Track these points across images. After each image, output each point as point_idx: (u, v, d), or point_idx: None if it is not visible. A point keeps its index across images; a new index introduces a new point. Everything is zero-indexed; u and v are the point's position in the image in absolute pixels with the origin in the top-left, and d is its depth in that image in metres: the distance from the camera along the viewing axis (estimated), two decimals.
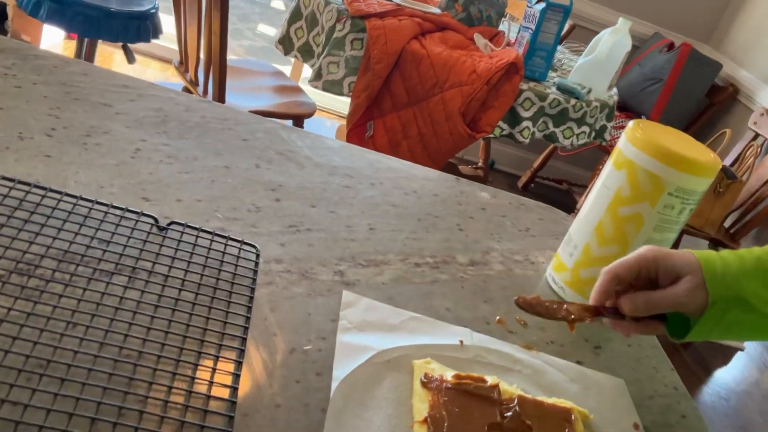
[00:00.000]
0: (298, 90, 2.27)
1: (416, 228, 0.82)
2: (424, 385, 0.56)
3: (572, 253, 0.77)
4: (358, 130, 2.02)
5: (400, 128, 1.95)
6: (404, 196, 0.88)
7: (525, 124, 1.90)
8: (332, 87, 1.98)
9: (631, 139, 0.71)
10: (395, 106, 1.94)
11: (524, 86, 1.89)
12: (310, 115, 2.17)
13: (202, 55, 1.95)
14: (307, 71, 3.52)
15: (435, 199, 0.90)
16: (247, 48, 3.92)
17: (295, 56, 2.07)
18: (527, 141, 1.92)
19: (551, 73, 2.17)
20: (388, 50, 1.85)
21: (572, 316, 0.58)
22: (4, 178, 0.61)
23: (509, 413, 0.56)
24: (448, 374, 0.58)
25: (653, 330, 0.61)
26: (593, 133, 2.11)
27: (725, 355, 2.51)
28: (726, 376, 2.39)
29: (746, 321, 0.58)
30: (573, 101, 1.96)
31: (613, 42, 2.03)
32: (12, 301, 0.50)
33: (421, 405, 0.54)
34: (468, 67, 1.81)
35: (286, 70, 3.25)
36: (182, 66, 2.10)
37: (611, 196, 0.72)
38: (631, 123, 0.73)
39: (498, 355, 0.64)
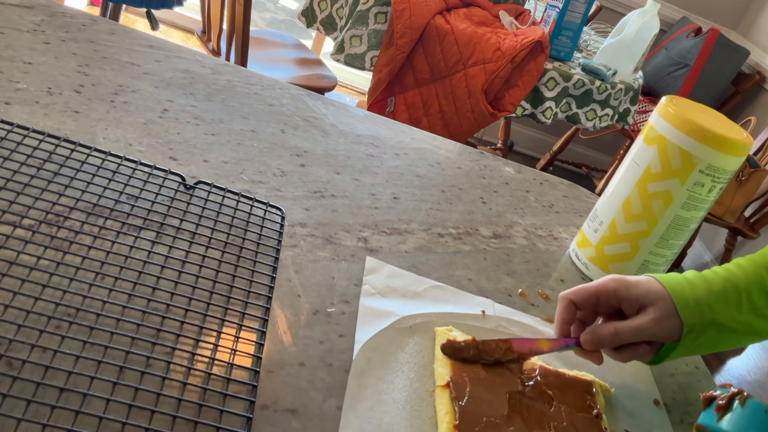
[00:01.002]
0: (319, 63, 2.26)
1: (440, 199, 0.81)
2: (446, 350, 0.56)
3: (597, 229, 0.76)
4: (378, 106, 2.01)
5: (421, 105, 1.94)
6: (428, 167, 0.88)
7: (548, 104, 1.88)
8: (354, 61, 1.97)
9: (664, 115, 0.70)
10: (417, 82, 1.93)
11: (549, 66, 1.87)
12: (330, 88, 2.16)
13: (224, 25, 1.94)
14: (328, 45, 3.50)
15: (459, 172, 0.90)
16: (269, 21, 3.90)
17: (318, 29, 2.05)
18: (549, 121, 1.90)
19: (576, 54, 2.14)
20: (412, 25, 1.83)
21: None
22: (35, 131, 0.62)
23: (531, 382, 0.56)
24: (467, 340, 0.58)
25: (638, 355, 0.58)
26: (616, 116, 2.09)
27: None
28: (739, 366, 2.38)
29: (720, 339, 0.58)
30: (597, 83, 1.94)
31: (640, 23, 2.00)
32: (42, 250, 0.50)
33: (443, 370, 0.54)
34: (492, 45, 1.79)
35: (308, 43, 3.24)
36: (205, 35, 2.09)
37: (640, 172, 0.71)
38: (663, 98, 0.72)
39: (520, 327, 0.64)
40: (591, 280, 0.77)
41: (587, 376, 0.59)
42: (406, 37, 1.83)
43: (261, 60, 2.13)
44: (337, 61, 1.98)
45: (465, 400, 0.51)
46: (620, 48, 2.06)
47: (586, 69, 1.98)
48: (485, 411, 0.51)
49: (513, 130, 3.11)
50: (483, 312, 0.64)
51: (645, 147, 0.71)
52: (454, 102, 1.86)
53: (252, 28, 1.92)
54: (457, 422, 0.49)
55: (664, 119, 0.70)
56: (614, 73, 2.03)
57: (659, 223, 0.72)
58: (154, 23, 1.87)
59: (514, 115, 1.87)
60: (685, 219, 0.71)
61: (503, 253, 0.75)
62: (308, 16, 2.03)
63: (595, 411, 0.55)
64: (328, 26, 2.01)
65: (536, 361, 0.58)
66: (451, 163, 0.91)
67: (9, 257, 0.49)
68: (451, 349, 0.55)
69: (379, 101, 1.99)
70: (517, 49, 1.77)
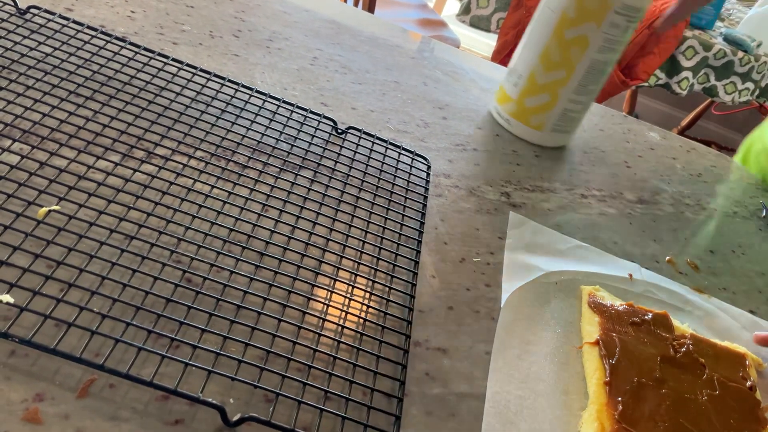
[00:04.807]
0: (442, 24, 2.24)
1: (582, 160, 0.79)
2: (594, 309, 0.55)
3: (517, 82, 0.76)
4: None
5: None
6: None
7: (685, 74, 1.78)
8: (480, 22, 1.94)
9: None
10: None
11: (688, 34, 1.77)
12: None
13: None
14: (449, 7, 3.46)
15: (601, 134, 0.87)
16: None
17: None
18: (685, 93, 1.80)
19: (718, 23, 2.01)
20: None
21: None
22: (202, 70, 0.65)
23: (683, 349, 0.54)
24: (617, 303, 0.57)
25: None
26: (757, 91, 1.95)
27: None
28: None
29: None
30: (740, 54, 1.81)
31: None
32: (214, 179, 0.54)
33: (591, 328, 0.54)
34: None
35: (429, 2, 3.21)
36: None
37: (557, 19, 0.71)
38: None
39: (668, 294, 0.62)
40: (515, 137, 0.78)
41: (740, 348, 0.57)
42: None
43: (386, 19, 2.14)
44: (463, 22, 1.95)
45: (615, 359, 0.50)
46: (767, 18, 1.91)
47: (728, 39, 1.86)
48: (636, 371, 0.50)
49: (638, 102, 2.97)
50: (630, 275, 0.62)
51: None
52: None
53: None
54: (608, 379, 0.48)
55: None
56: (759, 45, 1.89)
57: (577, 70, 0.72)
58: None
59: (646, 84, 1.78)
60: (601, 63, 0.72)
61: (649, 219, 0.73)
62: None
63: (749, 383, 0.53)
64: None
65: (687, 329, 0.56)
66: (592, 125, 0.88)
67: (186, 184, 0.52)
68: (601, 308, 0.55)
69: (503, 63, 1.96)
70: (655, 15, 1.68)
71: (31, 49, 0.58)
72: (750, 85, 1.89)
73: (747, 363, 0.55)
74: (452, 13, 2.88)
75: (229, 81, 0.65)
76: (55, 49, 0.59)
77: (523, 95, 0.76)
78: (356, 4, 1.90)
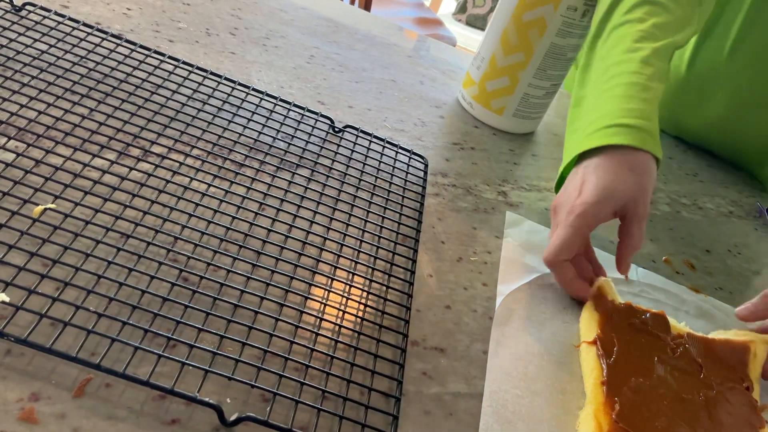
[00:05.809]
0: (439, 23, 2.23)
1: None
2: (592, 308, 0.55)
3: (480, 66, 0.77)
4: None
5: None
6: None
7: None
8: (476, 21, 1.94)
9: None
10: None
11: None
12: None
13: None
14: (445, 5, 3.46)
15: None
16: None
17: None
18: None
19: None
20: None
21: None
22: (198, 68, 0.65)
23: (680, 349, 0.54)
24: (617, 302, 0.57)
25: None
26: None
27: None
28: None
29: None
30: None
31: None
32: (211, 178, 0.53)
33: (589, 327, 0.54)
34: None
35: (425, 1, 3.21)
36: None
37: (515, 2, 0.71)
38: None
39: (665, 294, 0.62)
40: (477, 121, 0.79)
41: (747, 335, 0.56)
42: None
43: (382, 17, 2.14)
44: (459, 20, 1.95)
45: (612, 359, 0.50)
46: None
47: None
48: (633, 371, 0.50)
49: None
50: (626, 276, 0.62)
51: None
52: None
53: None
54: (605, 379, 0.48)
55: None
56: None
57: (535, 53, 0.72)
58: None
59: None
60: (560, 47, 0.72)
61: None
62: None
63: (746, 383, 0.53)
64: None
65: (684, 329, 0.56)
66: None
67: (183, 182, 0.52)
68: (603, 306, 0.55)
69: None
70: None
71: (27, 46, 0.57)
72: None
73: (748, 358, 0.55)
74: (448, 11, 2.88)
75: (226, 79, 0.65)
76: (51, 46, 0.59)
77: (484, 78, 0.77)
78: (353, 2, 1.90)
